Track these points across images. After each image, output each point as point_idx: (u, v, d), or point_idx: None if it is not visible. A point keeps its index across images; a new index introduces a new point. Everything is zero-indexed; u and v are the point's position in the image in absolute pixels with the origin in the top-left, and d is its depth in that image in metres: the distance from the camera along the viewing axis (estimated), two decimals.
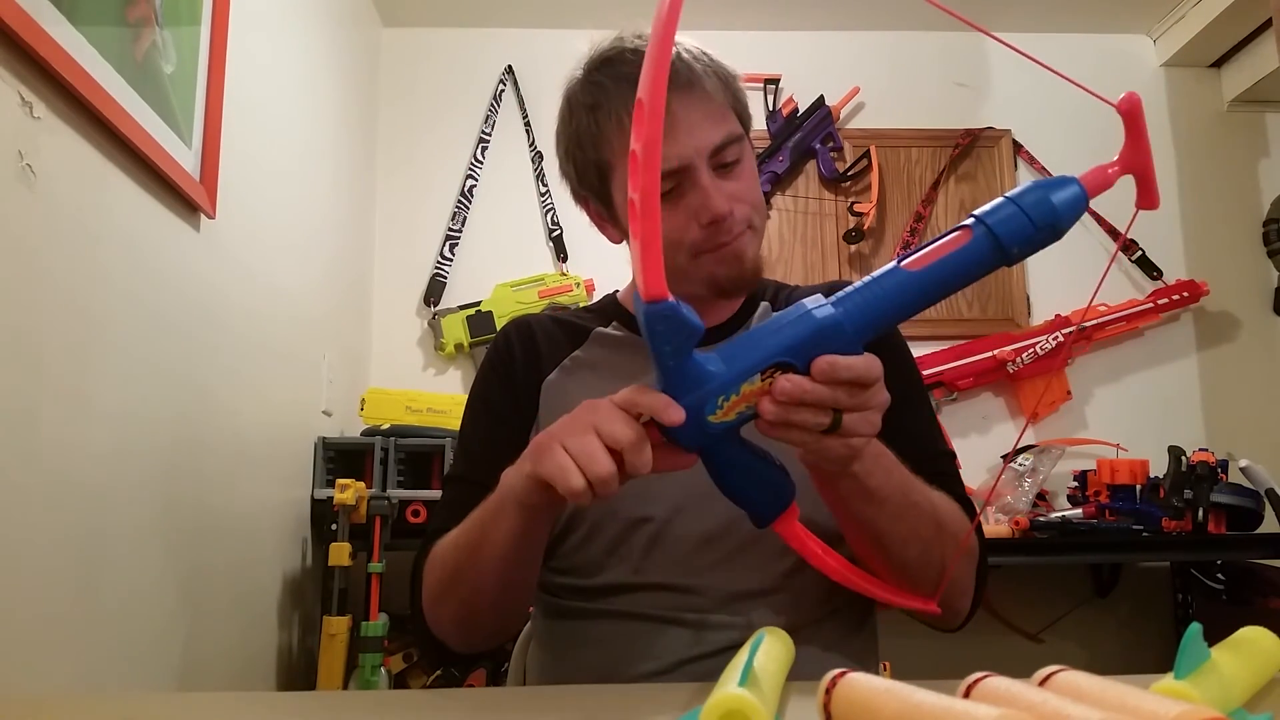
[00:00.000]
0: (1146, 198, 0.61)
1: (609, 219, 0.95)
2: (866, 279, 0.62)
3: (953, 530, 0.79)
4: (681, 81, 0.84)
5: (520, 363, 0.96)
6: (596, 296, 1.87)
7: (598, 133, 0.88)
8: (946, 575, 0.76)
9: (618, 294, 1.04)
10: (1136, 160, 0.60)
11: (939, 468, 0.87)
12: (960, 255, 0.60)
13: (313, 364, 2.00)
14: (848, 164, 2.60)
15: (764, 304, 0.99)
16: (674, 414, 0.61)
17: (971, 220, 0.60)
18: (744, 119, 0.91)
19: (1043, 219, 0.59)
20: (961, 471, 0.92)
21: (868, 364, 0.61)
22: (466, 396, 1.01)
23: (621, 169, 0.87)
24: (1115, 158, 0.61)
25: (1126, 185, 0.62)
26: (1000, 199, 0.60)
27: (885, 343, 0.96)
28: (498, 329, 1.04)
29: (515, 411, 0.94)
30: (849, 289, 0.62)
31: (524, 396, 0.94)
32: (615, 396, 0.65)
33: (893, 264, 0.62)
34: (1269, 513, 2.07)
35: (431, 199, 2.55)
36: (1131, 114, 0.60)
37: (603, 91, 0.87)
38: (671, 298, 0.60)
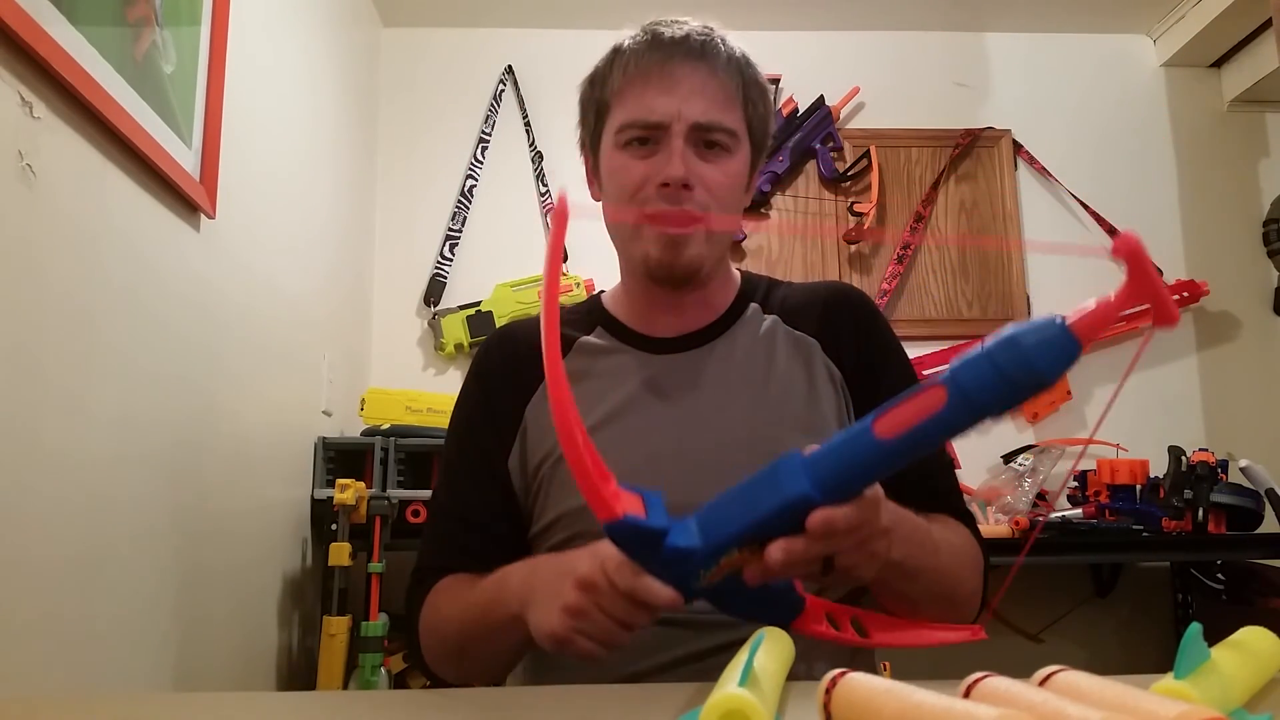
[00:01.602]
0: (1164, 318, 0.52)
1: (595, 174, 0.97)
2: (838, 439, 0.59)
3: (968, 562, 0.84)
4: (695, 49, 0.88)
5: (498, 381, 0.97)
6: None
7: (608, 73, 0.93)
8: (990, 606, 0.82)
9: (603, 295, 1.03)
10: (1143, 294, 0.51)
11: (941, 484, 0.89)
12: (934, 423, 0.55)
13: (313, 364, 2.00)
14: (848, 164, 2.60)
15: (753, 305, 0.98)
16: (665, 595, 0.63)
17: (946, 378, 0.55)
18: (753, 131, 0.92)
19: (1024, 378, 0.52)
20: (961, 472, 0.93)
21: (861, 511, 0.60)
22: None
23: (616, 111, 0.91)
24: (1114, 292, 0.51)
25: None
26: (977, 351, 0.54)
27: (881, 348, 0.96)
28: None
29: (495, 437, 0.95)
30: (821, 450, 0.59)
31: (502, 419, 0.95)
32: (615, 577, 0.64)
33: (865, 424, 0.57)
34: (1269, 513, 2.07)
35: (431, 199, 2.55)
36: (1133, 256, 0.49)
37: (632, 48, 0.91)
38: (624, 514, 0.59)
